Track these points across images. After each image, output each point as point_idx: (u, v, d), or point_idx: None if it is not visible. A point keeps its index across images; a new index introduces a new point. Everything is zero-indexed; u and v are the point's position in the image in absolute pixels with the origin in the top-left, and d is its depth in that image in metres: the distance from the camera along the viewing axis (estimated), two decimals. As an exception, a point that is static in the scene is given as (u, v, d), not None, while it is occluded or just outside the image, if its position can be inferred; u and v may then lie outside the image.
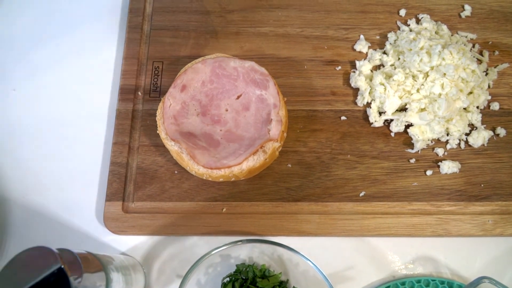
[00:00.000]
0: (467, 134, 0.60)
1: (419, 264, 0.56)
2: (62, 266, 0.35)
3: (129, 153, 0.59)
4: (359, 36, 0.66)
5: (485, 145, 0.60)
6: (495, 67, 0.64)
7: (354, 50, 0.65)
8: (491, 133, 0.60)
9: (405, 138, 0.60)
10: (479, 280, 0.50)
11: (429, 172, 0.58)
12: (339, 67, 0.64)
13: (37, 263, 0.35)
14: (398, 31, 0.66)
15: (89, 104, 0.64)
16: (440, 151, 0.59)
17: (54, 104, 0.64)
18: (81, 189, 0.59)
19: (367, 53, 0.65)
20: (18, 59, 0.67)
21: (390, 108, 0.59)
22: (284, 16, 0.67)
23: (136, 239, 0.57)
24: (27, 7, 0.70)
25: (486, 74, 0.63)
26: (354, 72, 0.63)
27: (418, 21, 0.66)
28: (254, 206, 0.57)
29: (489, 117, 0.61)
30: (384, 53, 0.64)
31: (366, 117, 0.61)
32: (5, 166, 0.61)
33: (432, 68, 0.58)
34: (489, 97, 0.61)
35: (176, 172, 0.59)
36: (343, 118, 0.61)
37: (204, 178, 0.55)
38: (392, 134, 0.60)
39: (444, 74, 0.57)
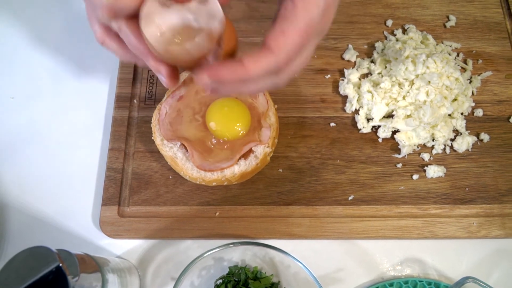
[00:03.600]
0: (452, 140, 0.62)
1: (407, 266, 0.57)
2: (61, 265, 0.36)
3: (125, 159, 0.61)
4: (348, 45, 0.68)
5: (470, 150, 0.61)
6: (478, 75, 0.66)
7: (343, 59, 0.67)
8: (475, 138, 0.62)
9: (392, 144, 0.62)
10: (464, 280, 0.51)
11: (415, 176, 0.60)
12: (329, 76, 0.66)
13: (36, 262, 0.36)
14: (385, 40, 0.68)
15: (86, 111, 0.65)
16: (426, 156, 0.61)
17: (52, 111, 0.65)
18: (78, 194, 0.60)
19: (355, 62, 0.67)
20: (16, 67, 0.68)
21: (377, 115, 0.61)
22: (276, 27, 0.69)
23: (131, 242, 0.58)
24: (26, 12, 0.72)
25: (470, 81, 0.65)
26: (342, 80, 0.65)
27: (404, 31, 0.69)
28: (246, 210, 0.58)
29: (473, 123, 0.63)
30: (372, 61, 0.67)
31: (354, 124, 0.63)
32: (3, 172, 0.62)
33: (417, 76, 0.60)
34: (473, 104, 0.64)
35: (170, 177, 0.60)
36: (332, 124, 0.63)
37: (198, 182, 0.56)
38: (380, 140, 0.62)
39: (429, 82, 0.59)
